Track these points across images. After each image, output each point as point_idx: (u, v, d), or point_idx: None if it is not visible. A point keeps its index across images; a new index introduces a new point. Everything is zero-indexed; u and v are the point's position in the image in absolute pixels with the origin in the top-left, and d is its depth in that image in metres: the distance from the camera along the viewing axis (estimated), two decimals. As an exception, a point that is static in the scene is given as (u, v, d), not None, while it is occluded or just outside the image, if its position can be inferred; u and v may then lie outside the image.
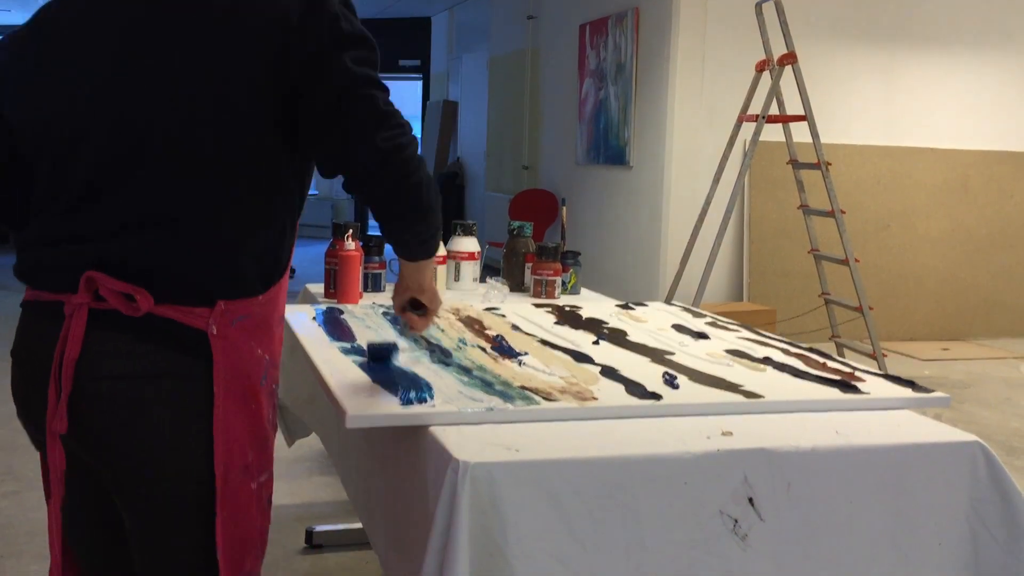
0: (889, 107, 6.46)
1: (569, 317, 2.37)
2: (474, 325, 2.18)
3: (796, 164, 5.04)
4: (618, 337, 2.15)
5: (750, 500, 1.42)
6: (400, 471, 1.58)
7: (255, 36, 1.35)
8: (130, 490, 1.41)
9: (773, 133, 5.22)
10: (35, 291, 1.41)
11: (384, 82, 1.43)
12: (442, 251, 2.71)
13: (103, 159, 1.36)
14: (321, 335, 2.03)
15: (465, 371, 1.77)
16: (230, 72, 1.35)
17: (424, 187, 1.44)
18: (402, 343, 1.97)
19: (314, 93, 1.37)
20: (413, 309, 1.69)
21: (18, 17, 12.77)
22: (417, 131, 14.47)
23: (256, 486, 1.45)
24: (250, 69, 1.35)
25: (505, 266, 2.86)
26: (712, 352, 2.03)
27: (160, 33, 1.37)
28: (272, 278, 1.46)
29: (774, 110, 4.87)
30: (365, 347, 1.83)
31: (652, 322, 2.35)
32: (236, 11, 1.36)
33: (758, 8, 4.97)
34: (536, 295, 2.71)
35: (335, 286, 2.48)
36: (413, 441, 1.50)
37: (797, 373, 1.87)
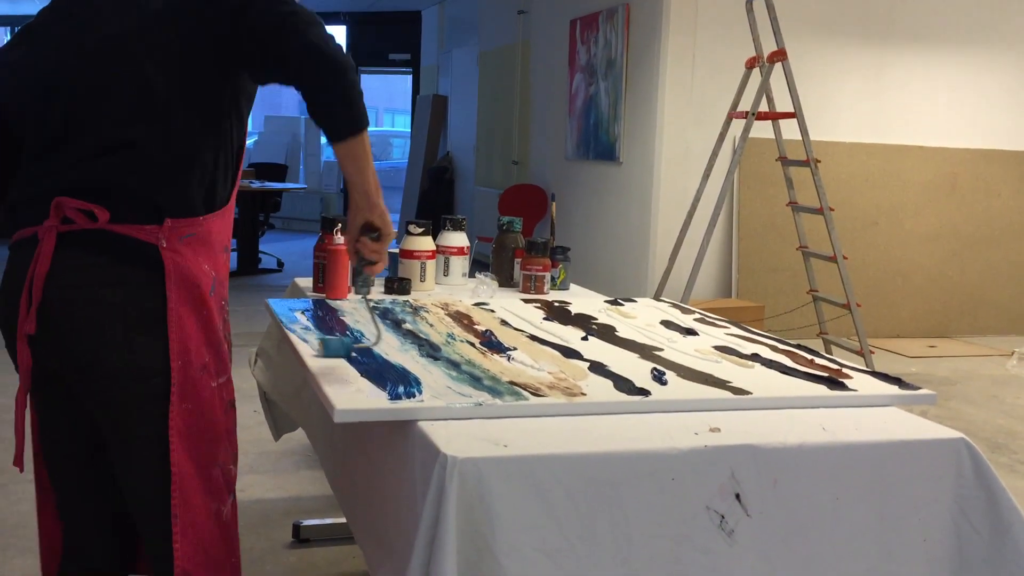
0: (878, 105, 6.48)
1: (558, 313, 2.37)
2: (463, 320, 2.18)
3: (785, 161, 5.06)
4: (607, 333, 2.16)
5: (737, 496, 1.42)
6: (387, 466, 1.58)
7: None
8: (94, 387, 1.61)
9: (763, 130, 5.23)
10: (18, 231, 1.64)
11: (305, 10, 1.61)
12: (431, 245, 2.71)
13: (70, 108, 1.61)
14: (309, 329, 2.02)
15: (454, 365, 1.77)
16: (160, 29, 1.61)
17: (324, 44, 1.57)
18: (392, 339, 1.97)
19: (236, 25, 1.59)
20: (367, 234, 1.72)
21: (10, 8, 12.71)
22: (407, 126, 14.44)
23: (216, 385, 1.67)
24: (178, 25, 1.61)
25: (494, 261, 2.86)
26: (700, 348, 2.03)
27: (114, 11, 1.65)
28: (212, 203, 1.68)
29: (764, 107, 4.88)
30: (319, 343, 1.83)
31: (641, 318, 2.35)
32: None
33: (748, 5, 4.97)
34: (525, 290, 2.71)
35: (323, 280, 2.47)
36: (401, 436, 1.50)
37: (785, 370, 1.88)
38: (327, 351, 1.78)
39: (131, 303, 1.59)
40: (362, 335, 1.98)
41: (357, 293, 1.82)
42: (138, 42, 1.61)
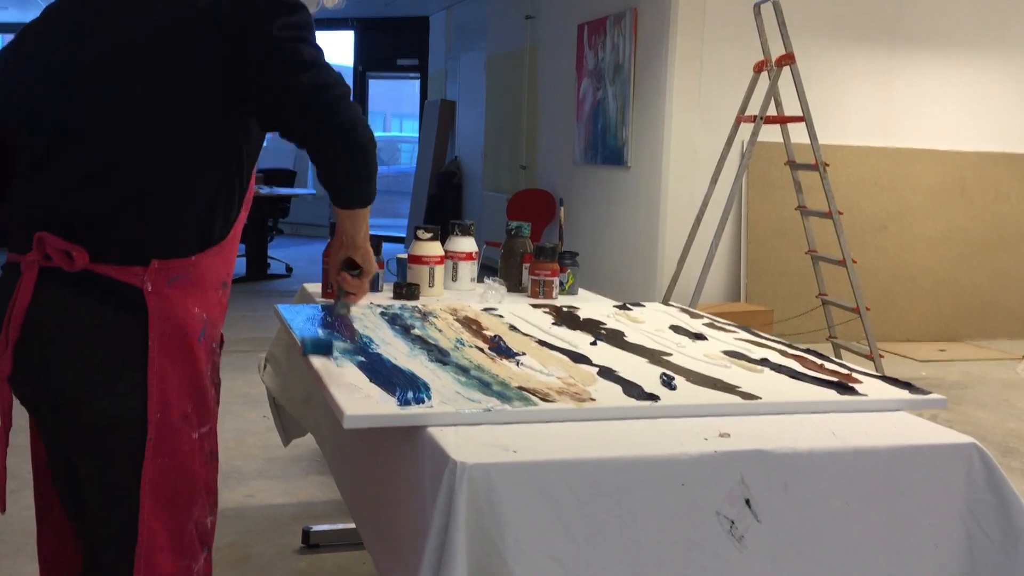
0: (887, 108, 6.47)
1: (567, 318, 2.37)
2: (472, 325, 2.18)
3: (794, 165, 5.05)
4: (616, 338, 2.15)
5: (747, 501, 1.42)
6: (397, 471, 1.58)
7: (187, 11, 1.52)
8: (71, 431, 1.54)
9: (771, 134, 5.22)
10: (9, 253, 1.57)
11: (316, 43, 1.55)
12: (440, 250, 2.71)
13: (56, 129, 1.52)
14: (318, 335, 2.02)
15: (463, 371, 1.77)
16: (161, 48, 1.51)
17: (354, 127, 1.51)
18: (401, 344, 1.97)
19: (246, 55, 1.50)
20: (348, 269, 1.74)
21: (15, 15, 12.75)
22: (415, 130, 14.45)
23: (198, 436, 1.58)
24: (181, 45, 1.51)
25: (503, 266, 2.86)
26: (709, 353, 2.03)
27: (110, 15, 1.55)
28: (208, 240, 1.58)
29: (772, 111, 4.87)
30: (300, 342, 1.85)
31: (650, 323, 2.35)
32: None
33: (756, 9, 4.97)
34: (534, 295, 2.71)
35: (332, 286, 2.47)
36: (410, 442, 1.50)
37: (794, 374, 1.87)
38: (310, 349, 1.81)
39: (111, 347, 1.50)
40: (371, 341, 1.98)
41: (336, 313, 1.85)
42: (130, 64, 1.51)
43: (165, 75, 1.51)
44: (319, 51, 1.55)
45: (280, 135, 1.55)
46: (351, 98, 1.55)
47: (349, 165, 1.56)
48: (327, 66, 1.53)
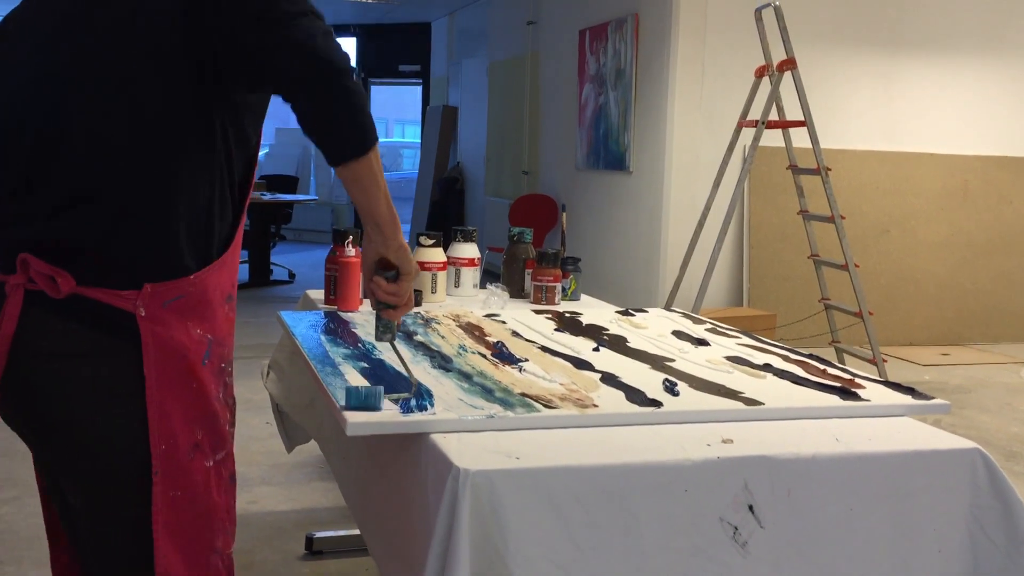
0: (889, 112, 6.47)
1: (569, 323, 2.37)
2: (474, 331, 2.19)
3: (796, 169, 5.05)
4: (618, 344, 2.16)
5: (750, 507, 1.42)
6: (400, 479, 1.58)
7: (162, 8, 1.38)
8: (64, 465, 1.45)
9: (773, 138, 5.23)
10: None
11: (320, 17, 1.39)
12: (442, 256, 2.71)
13: (36, 144, 1.40)
14: (321, 341, 2.03)
15: (465, 377, 1.77)
16: (139, 52, 1.38)
17: (312, 37, 1.36)
18: (403, 351, 1.97)
19: (233, 33, 1.37)
20: (382, 273, 1.52)
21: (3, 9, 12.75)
22: (417, 136, 14.48)
23: (212, 464, 1.47)
24: (160, 45, 1.38)
25: (505, 272, 2.86)
26: (712, 359, 2.03)
27: (80, 23, 1.41)
28: (206, 258, 1.46)
29: (774, 115, 4.88)
30: (346, 393, 1.54)
31: (652, 328, 2.35)
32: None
33: (758, 14, 4.98)
34: (536, 301, 2.71)
35: (335, 292, 2.48)
36: (413, 448, 1.50)
37: (797, 380, 1.87)
38: (355, 401, 1.52)
39: (104, 377, 1.39)
40: (373, 347, 1.98)
41: (379, 340, 1.58)
42: (105, 70, 1.38)
43: (133, 99, 1.38)
44: (312, 15, 1.39)
45: (253, 85, 1.41)
46: (318, 30, 1.37)
47: (317, 93, 1.36)
48: (313, 17, 1.38)
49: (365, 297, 1.70)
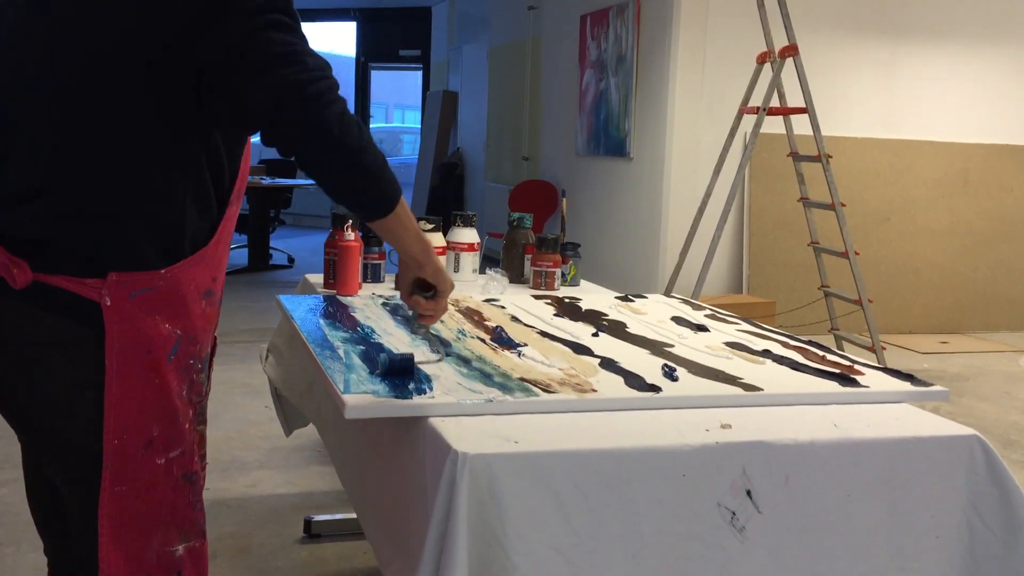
0: (890, 100, 6.45)
1: (568, 309, 2.37)
2: (473, 316, 2.18)
3: (796, 156, 5.04)
4: (617, 329, 2.15)
5: (748, 492, 1.42)
6: (398, 462, 1.58)
7: (135, 6, 1.36)
8: (36, 450, 1.50)
9: (774, 125, 5.21)
10: None
11: (295, 26, 1.38)
12: (442, 241, 2.70)
13: (1, 131, 1.39)
14: (320, 325, 2.03)
15: (464, 361, 1.77)
16: (105, 42, 1.36)
17: (341, 123, 1.35)
18: (402, 335, 1.97)
19: (209, 45, 1.35)
20: (421, 292, 1.60)
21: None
22: (417, 122, 14.45)
23: (164, 462, 1.45)
24: (129, 38, 1.35)
25: (505, 257, 2.86)
26: (711, 345, 2.03)
27: (43, 15, 1.39)
28: (179, 251, 1.42)
29: (775, 102, 4.86)
30: (380, 362, 1.64)
31: (651, 314, 2.35)
32: None
33: (759, 0, 4.96)
34: (536, 286, 2.71)
35: (334, 276, 2.47)
36: (412, 432, 1.50)
37: (796, 366, 1.87)
38: (388, 367, 1.60)
39: (72, 366, 1.38)
40: (372, 331, 1.98)
41: (414, 333, 1.79)
42: (66, 63, 1.36)
43: (97, 89, 1.36)
44: (298, 37, 1.37)
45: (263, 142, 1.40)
46: (334, 87, 1.37)
47: (337, 177, 1.41)
48: (304, 53, 1.36)
49: (402, 304, 1.78)
